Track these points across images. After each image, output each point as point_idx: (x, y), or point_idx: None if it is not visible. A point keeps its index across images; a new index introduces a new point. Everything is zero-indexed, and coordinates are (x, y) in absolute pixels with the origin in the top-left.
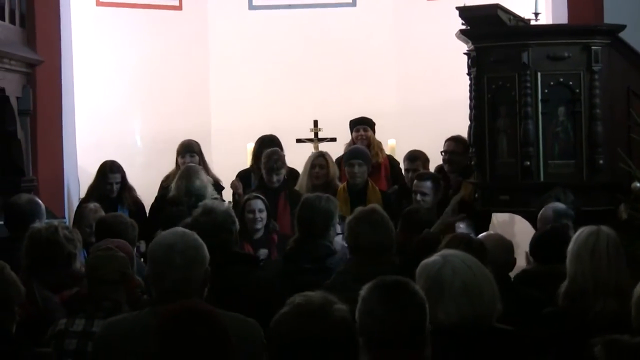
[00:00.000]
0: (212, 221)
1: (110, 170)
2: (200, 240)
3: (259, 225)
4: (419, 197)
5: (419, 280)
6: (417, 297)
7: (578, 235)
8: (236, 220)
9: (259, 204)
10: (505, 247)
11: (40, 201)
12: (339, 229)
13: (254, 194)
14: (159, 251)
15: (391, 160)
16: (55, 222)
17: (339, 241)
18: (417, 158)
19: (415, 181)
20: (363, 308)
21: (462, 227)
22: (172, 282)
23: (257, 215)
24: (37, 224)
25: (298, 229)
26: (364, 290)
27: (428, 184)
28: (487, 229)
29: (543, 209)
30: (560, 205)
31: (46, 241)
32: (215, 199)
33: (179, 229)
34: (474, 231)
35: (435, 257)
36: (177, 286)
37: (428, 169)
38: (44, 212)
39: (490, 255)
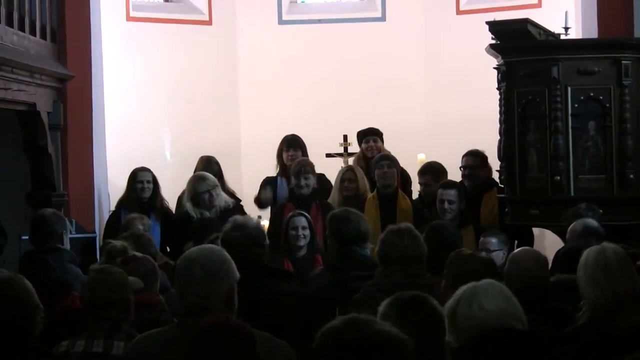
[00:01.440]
0: (245, 235)
1: (140, 170)
2: (227, 256)
3: (302, 243)
4: (446, 205)
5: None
6: (434, 312)
7: (585, 259)
8: (266, 236)
9: (302, 221)
10: (540, 262)
11: (62, 215)
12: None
13: (298, 210)
14: (181, 266)
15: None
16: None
17: None
18: (426, 172)
19: (440, 190)
20: None
21: (494, 242)
22: (194, 296)
23: (300, 232)
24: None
25: (337, 243)
26: (382, 307)
27: (454, 192)
28: (531, 244)
29: (575, 222)
30: (592, 222)
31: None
32: (229, 206)
33: (208, 245)
34: (506, 246)
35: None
36: (198, 300)
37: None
38: (68, 226)
39: (526, 270)
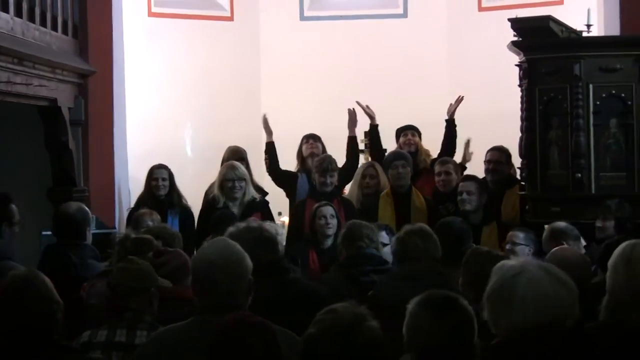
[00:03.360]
0: (258, 237)
1: (156, 167)
2: (242, 252)
3: (330, 232)
4: (464, 195)
5: (491, 279)
6: (466, 313)
7: (617, 249)
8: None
9: (330, 210)
10: (586, 263)
11: (88, 209)
12: (386, 239)
13: (324, 201)
14: (200, 267)
15: None
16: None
17: (387, 251)
18: (447, 161)
19: (460, 183)
20: (411, 323)
21: (521, 236)
22: (216, 297)
23: (329, 220)
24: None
25: (347, 243)
26: (412, 305)
27: (472, 183)
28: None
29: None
30: (559, 225)
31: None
32: (255, 199)
33: (220, 241)
34: (533, 242)
35: (514, 263)
36: (221, 300)
37: (459, 174)
38: (91, 220)
39: (572, 270)
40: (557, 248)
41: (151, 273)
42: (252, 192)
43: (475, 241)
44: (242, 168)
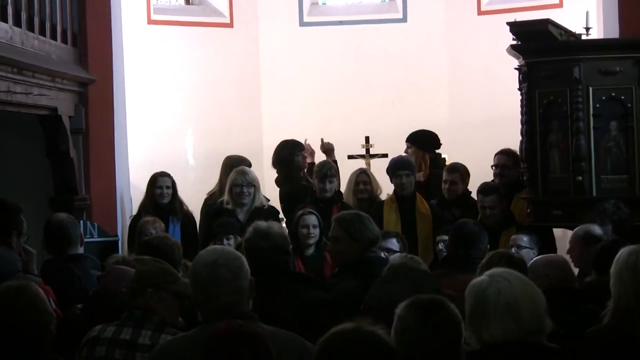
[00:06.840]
0: (272, 245)
1: (160, 175)
2: (240, 254)
3: (312, 241)
4: (488, 212)
5: (467, 300)
6: (452, 316)
7: (619, 255)
8: (290, 242)
9: (313, 220)
10: (558, 265)
11: (74, 218)
12: (396, 246)
13: (309, 209)
14: (204, 271)
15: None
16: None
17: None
18: (456, 170)
19: (480, 196)
20: (400, 326)
21: (525, 239)
22: (224, 298)
23: (311, 230)
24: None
25: (359, 246)
26: (400, 309)
27: (494, 197)
28: (552, 244)
29: (577, 228)
30: (596, 230)
31: None
32: (263, 206)
33: (216, 247)
34: (536, 245)
35: (482, 277)
36: (229, 300)
37: (467, 182)
38: (78, 227)
39: (546, 274)
40: (539, 257)
41: (164, 274)
42: (262, 199)
43: (494, 245)
44: (253, 174)
